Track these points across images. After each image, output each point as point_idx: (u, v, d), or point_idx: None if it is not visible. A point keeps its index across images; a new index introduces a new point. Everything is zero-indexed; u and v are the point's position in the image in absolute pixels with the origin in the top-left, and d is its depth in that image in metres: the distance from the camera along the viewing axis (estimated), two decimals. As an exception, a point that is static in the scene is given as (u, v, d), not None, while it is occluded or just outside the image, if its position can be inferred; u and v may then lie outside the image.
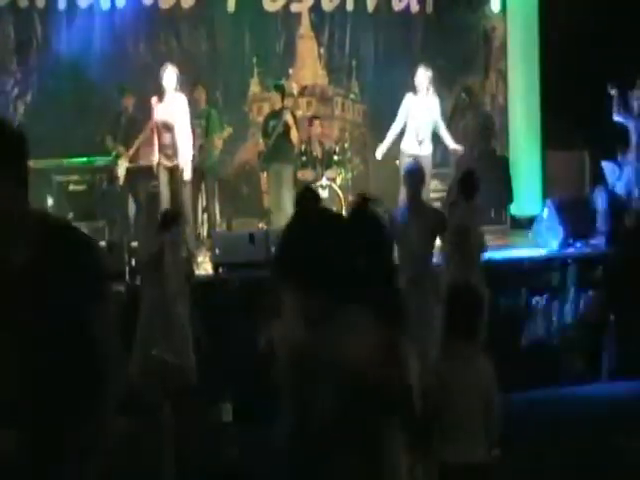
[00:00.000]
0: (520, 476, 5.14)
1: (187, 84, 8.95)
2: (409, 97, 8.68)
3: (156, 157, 8.07)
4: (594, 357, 7.75)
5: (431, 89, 8.64)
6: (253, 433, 5.83)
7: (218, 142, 8.95)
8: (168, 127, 7.97)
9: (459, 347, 3.70)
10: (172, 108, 7.97)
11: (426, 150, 8.69)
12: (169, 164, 8.03)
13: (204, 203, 8.96)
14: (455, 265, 5.89)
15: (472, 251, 6.02)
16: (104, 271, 2.35)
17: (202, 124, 8.76)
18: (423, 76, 8.59)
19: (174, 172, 8.00)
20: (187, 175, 8.02)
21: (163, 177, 8.05)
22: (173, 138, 7.96)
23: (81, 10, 9.94)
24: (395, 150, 8.77)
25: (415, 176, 6.13)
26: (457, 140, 9.93)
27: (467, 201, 6.25)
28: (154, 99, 8.01)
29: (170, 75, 7.99)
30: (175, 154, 7.98)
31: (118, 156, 8.76)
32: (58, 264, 2.20)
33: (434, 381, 3.61)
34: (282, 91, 9.13)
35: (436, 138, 8.81)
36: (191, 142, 8.14)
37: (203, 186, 8.89)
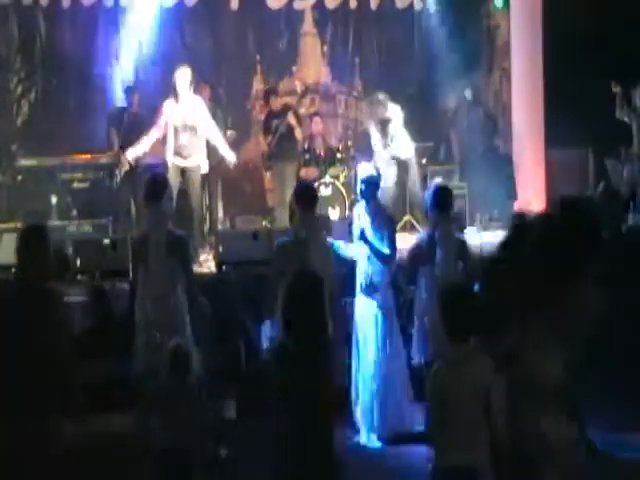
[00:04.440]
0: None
1: (191, 82, 8.98)
2: None
3: (170, 158, 7.88)
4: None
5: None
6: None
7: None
8: (186, 128, 7.83)
9: (456, 349, 3.69)
10: (190, 110, 7.83)
11: (408, 153, 8.72)
12: (183, 164, 7.89)
13: (207, 201, 8.98)
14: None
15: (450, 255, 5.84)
16: None
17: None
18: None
19: (186, 172, 7.88)
20: (201, 174, 7.98)
21: (174, 176, 7.82)
22: (190, 139, 7.83)
23: (85, 8, 9.97)
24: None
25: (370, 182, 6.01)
26: (460, 138, 9.94)
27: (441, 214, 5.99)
28: (168, 102, 7.84)
29: (185, 76, 7.81)
30: (190, 154, 7.87)
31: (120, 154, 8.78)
32: None
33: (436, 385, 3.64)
34: (273, 92, 9.15)
35: (436, 135, 8.82)
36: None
37: (206, 184, 8.91)
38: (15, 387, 3.95)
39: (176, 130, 7.83)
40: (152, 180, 5.50)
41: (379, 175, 6.15)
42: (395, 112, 8.93)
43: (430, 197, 5.82)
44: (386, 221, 5.98)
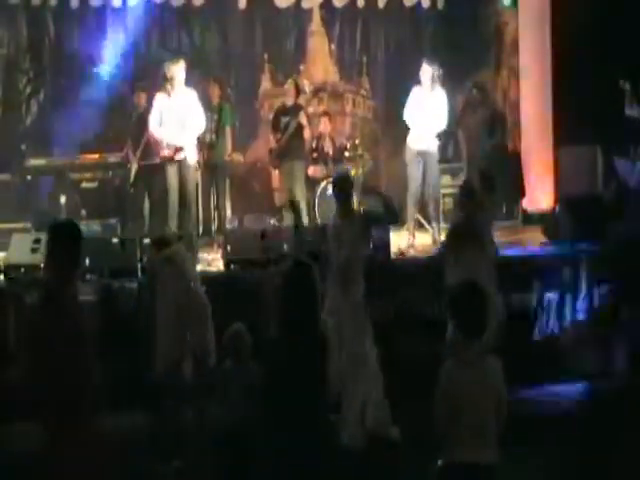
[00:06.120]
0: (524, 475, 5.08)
1: (201, 79, 9.01)
2: (415, 90, 8.65)
3: (165, 151, 7.96)
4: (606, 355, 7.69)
5: (437, 85, 8.58)
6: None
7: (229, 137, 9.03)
8: (180, 121, 7.92)
9: (466, 347, 3.69)
10: (184, 102, 7.92)
11: (433, 146, 8.63)
12: (178, 158, 7.95)
13: (215, 200, 9.00)
14: (462, 264, 5.73)
15: (481, 251, 5.85)
16: None
17: (214, 119, 8.79)
18: (426, 71, 8.55)
19: (181, 167, 7.94)
20: (190, 166, 8.02)
21: (172, 171, 7.93)
22: (183, 132, 7.91)
23: (93, 8, 9.99)
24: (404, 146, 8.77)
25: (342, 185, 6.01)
26: (468, 136, 9.93)
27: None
28: (160, 94, 7.91)
29: (181, 69, 7.89)
30: (183, 149, 7.92)
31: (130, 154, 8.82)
32: None
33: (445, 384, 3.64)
34: (297, 87, 9.15)
35: (444, 133, 8.78)
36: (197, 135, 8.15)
37: (214, 183, 8.94)
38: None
39: (170, 124, 7.88)
40: (158, 238, 6.21)
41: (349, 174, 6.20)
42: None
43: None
44: (363, 223, 5.93)
